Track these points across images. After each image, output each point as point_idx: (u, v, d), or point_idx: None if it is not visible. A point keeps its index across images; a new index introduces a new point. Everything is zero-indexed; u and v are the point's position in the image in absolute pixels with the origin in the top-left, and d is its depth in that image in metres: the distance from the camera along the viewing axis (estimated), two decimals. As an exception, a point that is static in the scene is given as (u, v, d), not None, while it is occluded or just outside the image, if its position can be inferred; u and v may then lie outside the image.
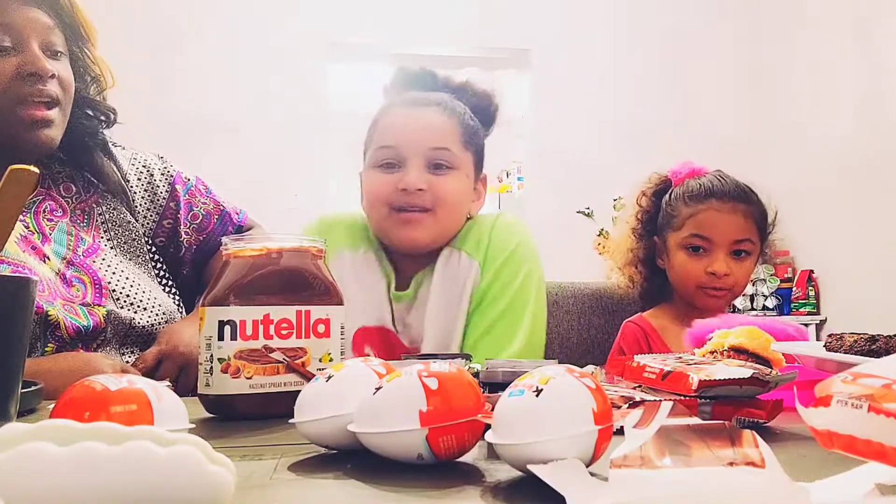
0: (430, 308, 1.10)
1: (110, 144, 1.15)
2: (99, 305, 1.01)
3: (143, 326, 1.04)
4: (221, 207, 1.23)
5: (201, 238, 1.21)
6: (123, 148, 1.18)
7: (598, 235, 4.13)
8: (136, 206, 1.15)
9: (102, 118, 1.13)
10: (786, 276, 4.00)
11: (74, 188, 1.10)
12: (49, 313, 0.95)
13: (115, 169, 1.14)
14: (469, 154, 1.12)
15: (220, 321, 0.68)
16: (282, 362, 0.69)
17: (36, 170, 0.56)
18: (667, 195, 1.38)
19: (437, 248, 1.13)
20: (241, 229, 1.25)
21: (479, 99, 1.20)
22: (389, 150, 1.10)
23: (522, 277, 1.13)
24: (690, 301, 1.34)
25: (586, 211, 4.11)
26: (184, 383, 0.99)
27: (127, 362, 0.98)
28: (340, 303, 0.74)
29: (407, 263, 1.15)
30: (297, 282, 0.72)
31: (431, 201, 1.08)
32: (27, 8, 0.99)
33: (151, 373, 0.97)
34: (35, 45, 0.99)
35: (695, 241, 1.31)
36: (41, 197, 1.07)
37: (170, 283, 1.18)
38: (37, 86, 0.98)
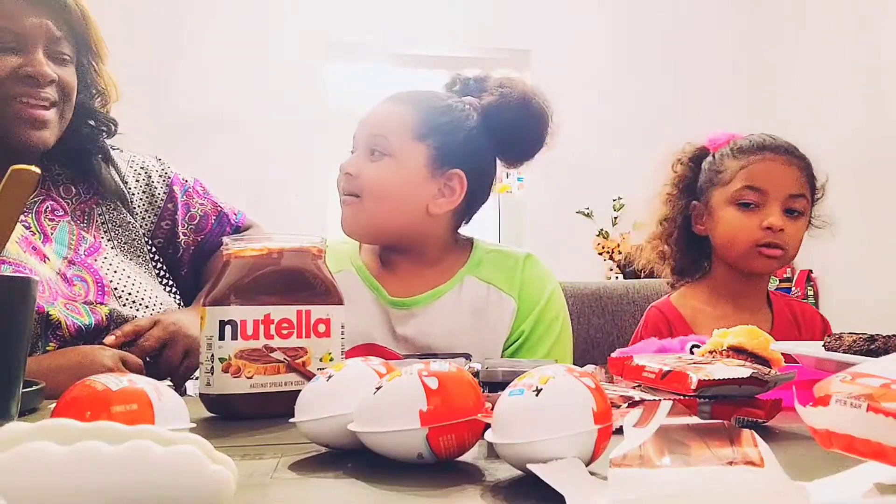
0: (444, 330, 1.08)
1: (110, 150, 1.15)
2: (101, 304, 1.01)
3: None
4: (219, 208, 1.24)
5: (199, 239, 1.21)
6: (121, 151, 1.19)
7: (598, 235, 4.14)
8: (135, 209, 1.16)
9: (104, 129, 1.13)
10: (785, 275, 4.00)
11: (74, 189, 1.11)
12: (50, 313, 0.95)
13: (114, 175, 1.14)
14: (421, 146, 1.07)
15: (220, 321, 0.68)
16: (282, 362, 0.69)
17: (37, 170, 0.57)
18: (709, 157, 1.29)
19: (386, 242, 1.12)
20: (238, 229, 1.25)
21: (513, 103, 1.13)
22: (353, 140, 1.12)
23: (562, 322, 1.13)
24: (739, 264, 1.24)
25: (586, 211, 4.11)
26: (187, 366, 0.99)
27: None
28: (341, 302, 0.74)
29: (413, 273, 1.12)
30: (298, 282, 0.72)
31: (358, 187, 1.07)
32: (39, 15, 1.00)
33: (154, 354, 0.97)
34: (39, 50, 1.00)
35: (747, 195, 1.21)
36: (42, 197, 1.07)
37: (170, 282, 1.18)
38: (34, 89, 0.99)
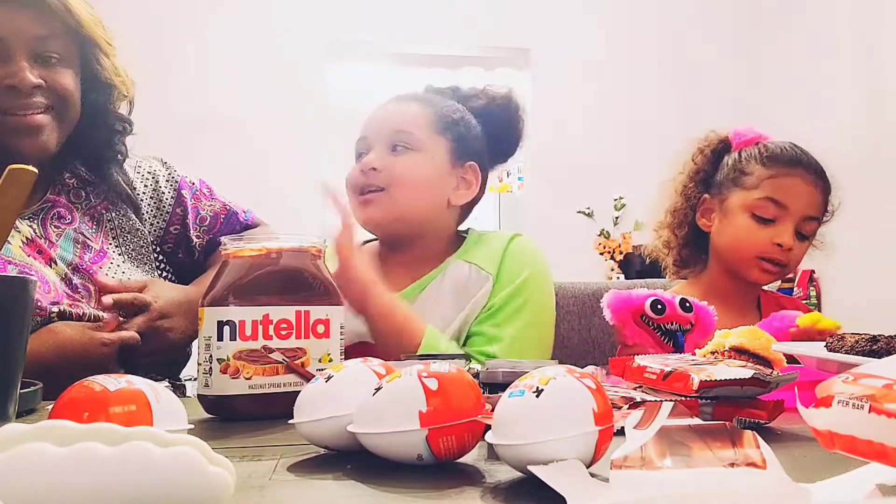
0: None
1: (120, 156, 1.13)
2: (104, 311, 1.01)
3: None
4: (228, 207, 1.23)
5: (209, 239, 1.21)
6: (128, 157, 1.17)
7: (599, 235, 4.14)
8: (143, 215, 1.15)
9: (119, 128, 1.11)
10: (787, 276, 4.00)
11: (84, 194, 1.10)
12: (52, 316, 0.94)
13: (124, 182, 1.13)
14: (442, 140, 1.13)
15: (219, 321, 0.68)
16: (281, 363, 0.69)
17: (34, 170, 0.56)
18: (734, 154, 1.28)
19: (406, 233, 1.13)
20: (248, 228, 1.25)
21: (499, 102, 1.21)
22: (361, 140, 1.15)
23: (535, 308, 1.10)
24: (738, 271, 1.24)
25: (586, 211, 4.11)
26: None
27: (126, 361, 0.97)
28: (340, 303, 0.74)
29: (404, 268, 1.13)
30: (297, 282, 0.72)
31: (386, 180, 1.09)
32: (18, 17, 0.96)
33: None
34: (21, 56, 0.96)
35: (767, 208, 1.21)
36: (49, 204, 1.06)
37: None
38: (20, 100, 0.96)
